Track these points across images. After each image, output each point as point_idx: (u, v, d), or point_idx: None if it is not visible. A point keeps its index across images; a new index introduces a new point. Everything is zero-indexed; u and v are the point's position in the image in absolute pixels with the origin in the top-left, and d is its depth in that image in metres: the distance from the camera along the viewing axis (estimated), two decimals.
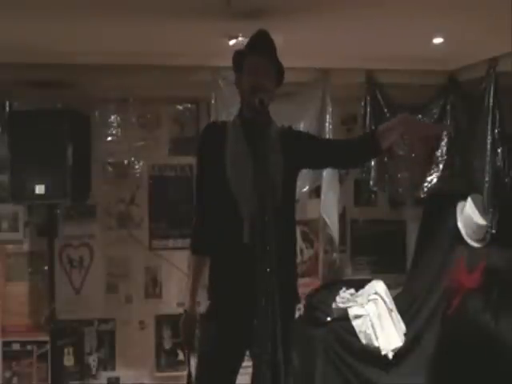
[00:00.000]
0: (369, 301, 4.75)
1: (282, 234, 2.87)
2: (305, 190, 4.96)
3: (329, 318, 4.76)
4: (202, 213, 3.07)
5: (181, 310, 5.27)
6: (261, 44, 3.00)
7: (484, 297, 4.45)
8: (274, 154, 2.91)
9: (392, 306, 4.76)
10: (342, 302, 4.82)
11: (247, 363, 5.33)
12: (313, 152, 3.11)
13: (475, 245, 4.77)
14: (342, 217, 5.37)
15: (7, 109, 4.88)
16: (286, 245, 2.98)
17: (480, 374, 4.17)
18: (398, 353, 4.57)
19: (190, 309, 3.11)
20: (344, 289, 4.98)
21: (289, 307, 2.98)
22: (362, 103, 5.08)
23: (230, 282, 2.93)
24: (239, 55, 3.04)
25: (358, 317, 4.67)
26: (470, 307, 4.50)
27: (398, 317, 4.75)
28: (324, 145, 3.30)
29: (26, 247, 5.04)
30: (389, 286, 4.91)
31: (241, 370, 5.41)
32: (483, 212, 4.72)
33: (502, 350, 4.20)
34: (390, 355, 4.53)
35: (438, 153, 5.13)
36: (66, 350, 5.05)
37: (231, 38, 4.07)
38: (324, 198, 5.04)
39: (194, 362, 3.23)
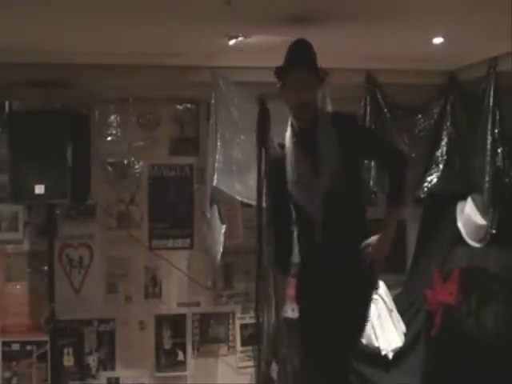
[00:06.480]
0: None
1: (351, 223, 3.25)
2: None
3: None
4: (283, 234, 3.29)
5: (180, 310, 5.33)
6: (301, 57, 3.16)
7: (464, 309, 4.51)
8: (331, 151, 3.14)
9: (392, 306, 4.77)
10: None
11: (248, 363, 5.36)
12: (358, 148, 3.30)
13: (475, 245, 4.77)
14: None
15: (7, 109, 4.87)
16: (355, 231, 3.29)
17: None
18: (398, 353, 4.57)
19: (277, 323, 3.34)
20: None
21: (366, 293, 3.30)
22: (362, 103, 5.08)
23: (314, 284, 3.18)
24: (281, 70, 3.18)
25: None
26: (452, 324, 4.54)
27: (398, 317, 4.75)
28: (365, 148, 3.42)
29: (25, 247, 5.03)
30: (389, 286, 4.91)
31: (241, 370, 5.44)
32: (483, 212, 4.72)
33: (490, 357, 4.25)
34: (390, 355, 4.53)
35: (438, 153, 5.13)
36: (65, 350, 5.04)
37: (231, 38, 4.07)
38: None
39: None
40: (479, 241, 4.76)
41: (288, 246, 3.27)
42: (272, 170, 3.37)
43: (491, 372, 4.25)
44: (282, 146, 3.30)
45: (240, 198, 4.78)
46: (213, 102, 4.81)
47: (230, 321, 5.30)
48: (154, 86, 4.92)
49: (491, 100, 4.71)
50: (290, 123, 3.28)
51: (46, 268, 4.85)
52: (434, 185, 5.13)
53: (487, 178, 4.71)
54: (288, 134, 3.28)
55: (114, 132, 5.18)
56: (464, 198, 4.88)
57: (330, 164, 3.14)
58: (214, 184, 4.68)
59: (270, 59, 4.53)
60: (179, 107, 5.30)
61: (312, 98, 3.16)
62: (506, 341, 4.38)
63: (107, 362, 5.13)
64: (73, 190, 4.50)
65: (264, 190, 3.82)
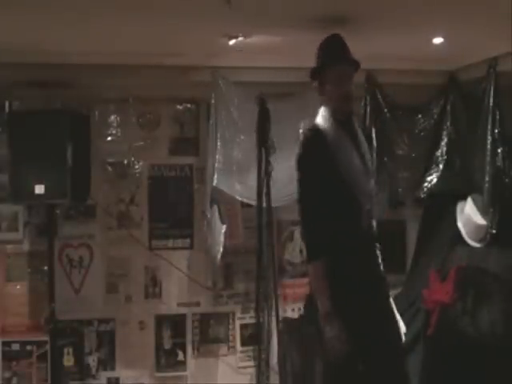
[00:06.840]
0: None
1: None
2: None
3: None
4: (327, 217, 3.16)
5: (180, 310, 5.32)
6: (341, 51, 3.25)
7: (459, 308, 4.51)
8: (366, 144, 3.32)
9: (392, 306, 4.76)
10: None
11: (248, 363, 5.36)
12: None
13: (475, 245, 4.77)
14: None
15: (7, 109, 4.87)
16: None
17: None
18: None
19: (330, 309, 3.29)
20: None
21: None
22: (362, 103, 5.07)
23: (357, 268, 3.21)
24: (320, 69, 3.25)
25: None
26: (447, 323, 4.54)
27: (398, 317, 4.74)
28: None
29: (25, 247, 5.03)
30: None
31: (241, 370, 5.44)
32: (483, 212, 4.72)
33: (486, 356, 4.26)
34: None
35: (438, 153, 5.13)
36: (65, 350, 5.04)
37: (231, 37, 4.08)
38: None
39: None
40: (479, 241, 4.76)
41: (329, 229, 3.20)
42: (319, 146, 3.21)
43: (486, 371, 4.25)
44: (316, 130, 3.26)
45: (240, 198, 4.78)
46: (213, 102, 4.81)
47: (230, 321, 5.30)
48: (154, 85, 4.93)
49: (491, 100, 4.71)
50: (325, 115, 3.28)
51: (46, 268, 4.86)
52: (434, 185, 5.13)
53: (487, 178, 4.71)
54: (326, 121, 3.26)
55: (114, 132, 5.19)
56: (464, 198, 4.87)
57: (371, 161, 3.34)
58: (214, 184, 4.69)
59: (270, 59, 4.57)
60: (179, 107, 5.30)
61: (352, 90, 3.25)
62: (504, 341, 4.38)
63: (107, 362, 5.13)
64: (73, 190, 4.51)
65: (264, 191, 3.82)
